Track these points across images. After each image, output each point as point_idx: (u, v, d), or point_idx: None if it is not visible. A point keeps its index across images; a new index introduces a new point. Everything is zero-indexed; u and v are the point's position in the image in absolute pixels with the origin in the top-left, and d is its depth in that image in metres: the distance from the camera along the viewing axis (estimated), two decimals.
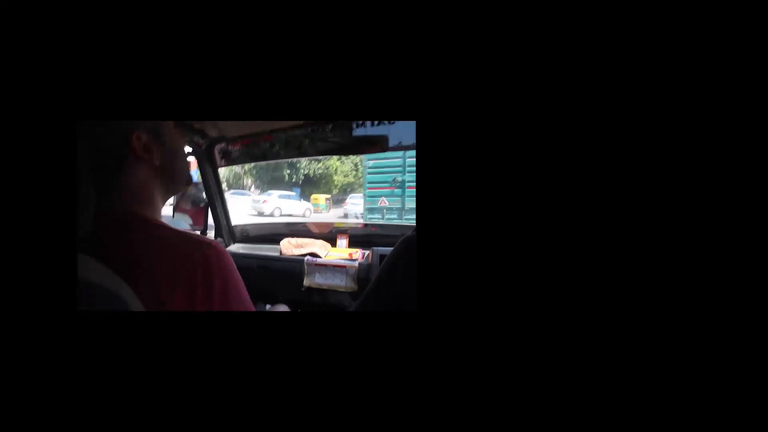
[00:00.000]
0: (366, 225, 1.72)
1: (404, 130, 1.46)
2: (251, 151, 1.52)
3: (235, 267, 0.55)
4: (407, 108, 0.52)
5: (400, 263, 0.77)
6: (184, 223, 1.53)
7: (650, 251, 0.47)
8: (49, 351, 0.47)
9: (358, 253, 1.56)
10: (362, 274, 1.48)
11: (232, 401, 0.49)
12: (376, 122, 1.40)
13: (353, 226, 1.71)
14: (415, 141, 1.51)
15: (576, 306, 0.48)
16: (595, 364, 0.48)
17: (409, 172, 6.86)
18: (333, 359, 0.50)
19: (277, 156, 1.55)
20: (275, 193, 12.59)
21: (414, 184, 6.70)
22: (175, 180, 0.63)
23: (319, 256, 1.57)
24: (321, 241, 1.65)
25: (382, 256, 1.48)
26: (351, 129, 1.43)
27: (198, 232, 1.59)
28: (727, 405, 0.46)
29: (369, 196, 7.36)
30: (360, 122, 1.41)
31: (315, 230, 1.73)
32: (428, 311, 0.50)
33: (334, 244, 1.66)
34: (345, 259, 1.54)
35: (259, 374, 0.49)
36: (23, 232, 0.47)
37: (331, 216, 11.28)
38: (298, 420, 0.49)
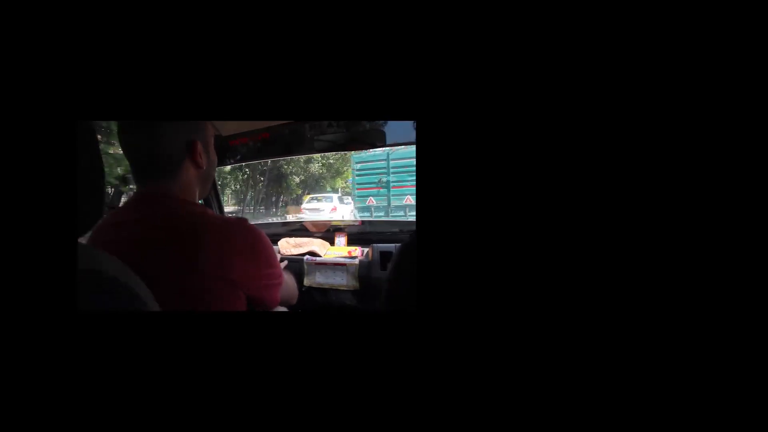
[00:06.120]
0: (363, 222, 1.57)
1: (398, 129, 1.34)
2: (249, 149, 1.36)
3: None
4: (407, 108, 0.49)
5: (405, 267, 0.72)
6: None
7: (649, 253, 0.45)
8: (48, 351, 0.43)
9: (357, 251, 1.42)
10: (363, 272, 1.35)
11: (232, 401, 0.46)
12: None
13: (350, 223, 1.57)
14: (406, 137, 1.39)
15: (575, 305, 0.46)
16: (594, 363, 0.46)
17: (393, 172, 6.85)
18: (333, 359, 0.47)
19: (273, 154, 1.40)
20: (335, 197, 9.59)
21: (398, 183, 6.77)
22: (206, 186, 0.70)
23: (319, 255, 1.42)
24: (320, 240, 1.50)
25: (381, 253, 1.35)
26: (348, 125, 1.28)
27: None
28: (727, 405, 0.44)
29: (358, 196, 7.32)
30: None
31: (313, 229, 1.57)
32: (428, 311, 0.48)
33: (332, 243, 1.51)
34: (345, 257, 1.39)
35: (259, 374, 0.47)
36: (23, 232, 0.44)
37: None
38: (299, 420, 0.46)
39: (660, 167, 0.45)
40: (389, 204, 6.95)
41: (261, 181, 12.97)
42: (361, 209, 7.19)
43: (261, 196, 13.22)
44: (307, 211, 8.55)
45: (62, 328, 0.43)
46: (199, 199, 0.70)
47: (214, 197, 1.48)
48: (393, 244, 1.37)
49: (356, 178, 7.38)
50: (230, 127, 1.33)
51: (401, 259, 0.75)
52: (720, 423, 0.44)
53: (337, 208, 8.68)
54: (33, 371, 0.43)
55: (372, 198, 7.07)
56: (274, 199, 13.79)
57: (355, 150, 1.39)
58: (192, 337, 0.46)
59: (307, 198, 9.70)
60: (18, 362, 0.43)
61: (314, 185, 13.76)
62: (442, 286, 0.48)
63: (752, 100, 0.44)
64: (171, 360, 0.46)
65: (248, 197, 13.04)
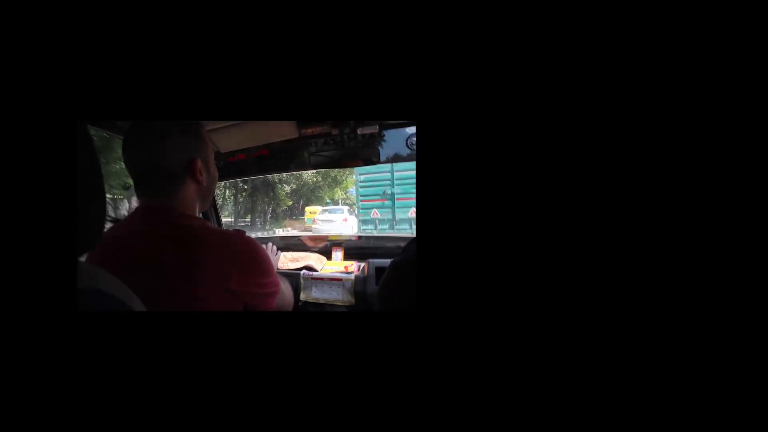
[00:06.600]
0: (360, 237, 1.57)
1: (395, 143, 1.35)
2: (246, 165, 1.37)
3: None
4: (408, 108, 0.49)
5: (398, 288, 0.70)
6: None
7: (648, 255, 0.45)
8: (48, 353, 0.43)
9: (353, 266, 1.42)
10: (358, 287, 1.34)
11: (232, 402, 0.46)
12: (368, 135, 1.27)
13: (348, 238, 1.57)
14: (401, 153, 1.40)
15: (575, 306, 0.46)
16: (594, 364, 0.46)
17: (398, 184, 6.80)
18: (333, 360, 0.47)
19: (272, 170, 1.41)
20: (346, 209, 9.97)
21: (402, 195, 6.73)
22: (207, 201, 0.71)
23: (315, 270, 1.42)
24: (316, 255, 1.51)
25: (377, 268, 1.35)
26: (344, 142, 1.29)
27: None
28: (727, 405, 0.43)
29: (362, 209, 7.29)
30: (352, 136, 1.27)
31: (310, 243, 1.58)
32: (428, 311, 0.47)
33: (329, 257, 1.51)
34: (341, 272, 1.39)
35: (259, 375, 0.46)
36: (22, 233, 0.43)
37: None
38: (299, 420, 0.46)
39: (660, 169, 0.45)
40: (394, 217, 6.90)
41: (244, 189, 11.78)
42: (365, 222, 7.15)
43: (245, 206, 12.10)
44: (320, 222, 8.93)
45: (62, 328, 0.43)
46: (199, 213, 0.71)
47: (212, 211, 1.49)
48: (389, 260, 1.37)
49: (360, 190, 7.35)
50: (229, 144, 1.35)
51: (391, 277, 0.75)
52: (720, 423, 0.43)
53: (348, 219, 9.04)
54: (32, 372, 0.42)
55: (376, 210, 7.04)
56: (266, 209, 12.55)
57: (350, 167, 1.39)
58: (192, 337, 0.46)
59: (318, 210, 9.87)
60: (17, 362, 0.42)
61: (309, 195, 12.74)
62: (441, 286, 0.47)
63: (752, 100, 0.43)
64: (170, 360, 0.46)
65: (229, 208, 11.81)
